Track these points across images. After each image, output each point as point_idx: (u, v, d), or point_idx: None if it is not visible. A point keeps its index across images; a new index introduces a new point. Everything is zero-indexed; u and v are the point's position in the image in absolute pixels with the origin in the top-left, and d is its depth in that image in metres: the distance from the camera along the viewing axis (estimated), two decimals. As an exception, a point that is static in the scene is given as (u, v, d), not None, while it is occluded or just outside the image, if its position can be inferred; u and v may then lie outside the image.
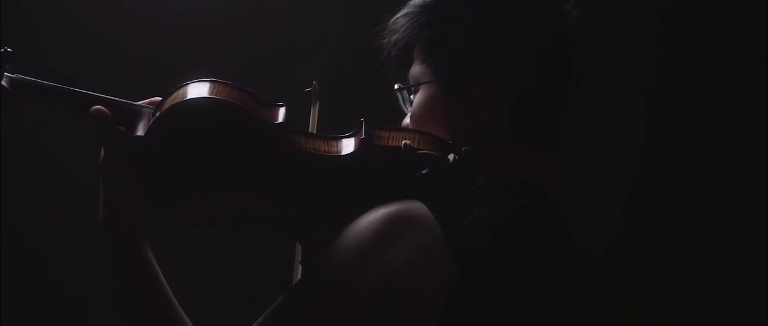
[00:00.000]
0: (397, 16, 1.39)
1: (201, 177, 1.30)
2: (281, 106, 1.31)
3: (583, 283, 1.30)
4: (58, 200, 2.36)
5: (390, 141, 1.29)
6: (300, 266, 1.43)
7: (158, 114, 1.29)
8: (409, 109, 1.39)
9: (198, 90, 1.28)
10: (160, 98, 1.32)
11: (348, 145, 1.30)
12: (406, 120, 1.39)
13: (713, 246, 2.48)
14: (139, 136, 1.29)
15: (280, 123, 1.28)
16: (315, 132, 1.40)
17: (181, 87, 1.30)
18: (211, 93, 1.28)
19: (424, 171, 1.25)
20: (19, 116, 1.36)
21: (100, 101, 1.31)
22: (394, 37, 1.38)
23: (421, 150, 1.27)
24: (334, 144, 1.30)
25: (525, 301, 1.21)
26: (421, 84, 1.36)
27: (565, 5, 1.35)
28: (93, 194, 1.32)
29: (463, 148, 1.27)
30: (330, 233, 1.24)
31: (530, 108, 1.32)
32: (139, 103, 1.34)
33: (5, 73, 1.30)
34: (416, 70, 1.37)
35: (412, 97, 1.39)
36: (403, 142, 1.27)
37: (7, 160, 2.31)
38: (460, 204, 1.21)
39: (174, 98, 1.29)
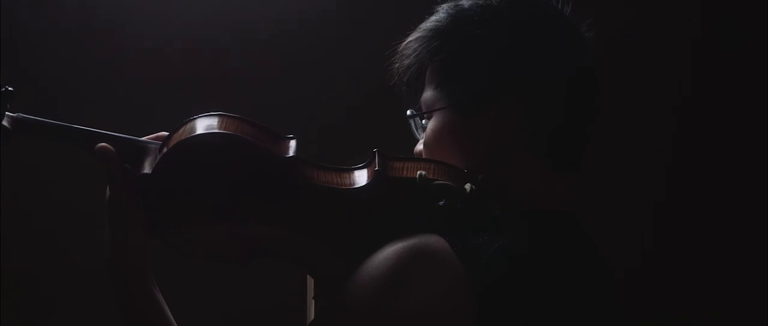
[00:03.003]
0: (409, 40, 1.35)
1: (210, 209, 1.26)
2: (292, 138, 1.28)
3: (605, 306, 1.28)
4: (63, 229, 2.32)
5: (405, 172, 1.26)
6: (313, 302, 1.40)
7: (165, 150, 1.26)
8: (422, 135, 1.35)
9: (206, 124, 1.26)
10: (167, 133, 1.29)
11: (361, 177, 1.27)
12: (419, 147, 1.36)
13: (717, 247, 2.46)
14: (146, 174, 1.26)
15: (291, 157, 1.25)
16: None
17: (188, 122, 1.27)
18: (219, 127, 1.25)
19: (441, 203, 1.22)
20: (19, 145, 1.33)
21: (104, 138, 1.29)
22: (406, 62, 1.34)
23: (437, 181, 1.23)
24: (347, 176, 1.27)
25: None
26: (434, 110, 1.32)
27: (581, 29, 1.33)
28: (98, 222, 1.29)
29: (480, 177, 1.24)
30: (344, 267, 1.21)
31: (549, 130, 1.28)
32: (144, 138, 1.32)
33: (6, 112, 1.27)
34: (429, 95, 1.33)
35: (424, 122, 1.35)
36: (419, 172, 1.24)
37: (8, 168, 2.28)
38: (480, 236, 1.18)
39: (181, 134, 1.26)
